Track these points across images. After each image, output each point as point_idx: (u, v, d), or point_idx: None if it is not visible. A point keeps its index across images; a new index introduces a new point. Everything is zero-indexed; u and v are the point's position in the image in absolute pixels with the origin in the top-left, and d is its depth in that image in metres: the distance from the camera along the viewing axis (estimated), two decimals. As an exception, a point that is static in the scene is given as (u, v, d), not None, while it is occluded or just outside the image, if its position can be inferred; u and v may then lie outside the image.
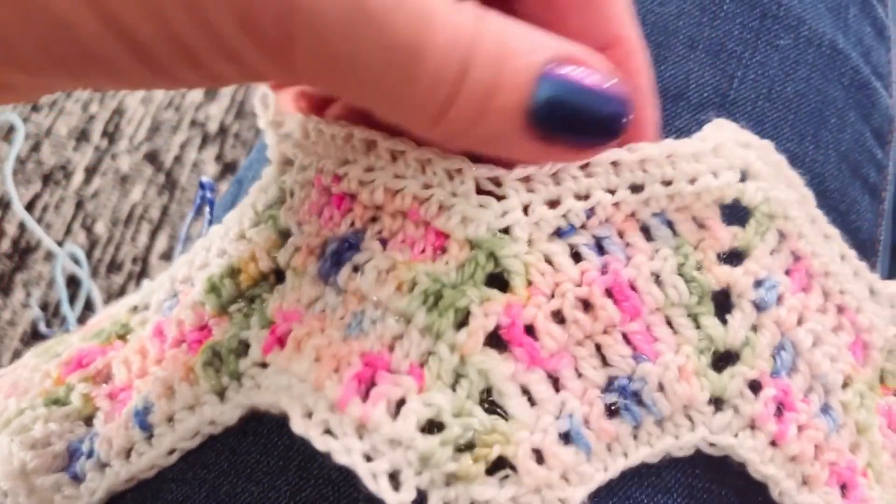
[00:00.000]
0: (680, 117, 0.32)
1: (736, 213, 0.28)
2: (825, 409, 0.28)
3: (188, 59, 0.19)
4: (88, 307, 0.66)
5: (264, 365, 0.25)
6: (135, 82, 0.21)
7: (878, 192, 0.38)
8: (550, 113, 0.21)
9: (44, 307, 0.71)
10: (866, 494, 0.28)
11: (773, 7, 0.36)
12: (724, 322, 0.27)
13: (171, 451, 0.26)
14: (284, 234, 0.28)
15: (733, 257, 0.28)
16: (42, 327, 0.71)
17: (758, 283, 0.27)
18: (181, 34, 0.18)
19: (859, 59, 0.39)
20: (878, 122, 0.39)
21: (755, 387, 0.27)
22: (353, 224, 0.26)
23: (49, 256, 0.97)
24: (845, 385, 0.29)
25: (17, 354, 0.60)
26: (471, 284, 0.24)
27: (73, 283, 0.75)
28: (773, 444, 0.26)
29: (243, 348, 0.26)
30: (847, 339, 0.30)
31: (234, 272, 0.28)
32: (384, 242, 0.26)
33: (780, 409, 0.27)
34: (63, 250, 0.98)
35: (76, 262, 0.99)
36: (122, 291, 0.67)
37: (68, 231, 1.03)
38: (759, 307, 0.27)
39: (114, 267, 1.01)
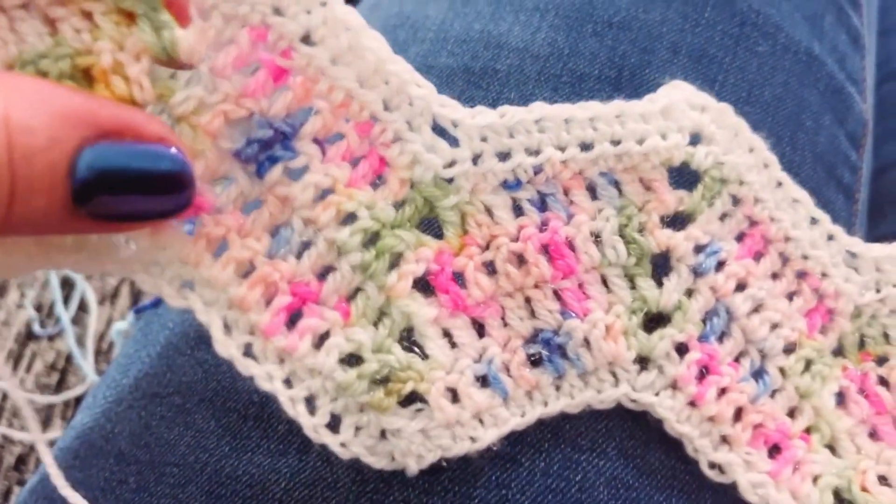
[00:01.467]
0: None
1: (689, 176, 0.28)
2: (758, 374, 0.29)
3: None
4: (82, 308, 0.70)
5: None
6: None
7: (852, 192, 0.39)
8: (97, 191, 0.19)
9: (38, 308, 0.76)
10: (801, 457, 0.28)
11: (751, 15, 0.37)
12: (661, 285, 0.28)
13: None
14: (169, 57, 0.22)
15: (678, 220, 0.28)
16: (36, 328, 0.76)
17: (699, 249, 0.28)
18: None
19: (834, 66, 0.40)
20: (852, 125, 0.40)
21: (682, 350, 0.27)
22: (286, 106, 0.24)
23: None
24: (790, 351, 0.29)
25: (11, 354, 0.65)
26: (406, 227, 0.25)
27: (67, 284, 0.79)
28: (692, 404, 0.27)
29: None
30: (803, 304, 0.30)
31: (86, 73, 0.21)
32: (321, 147, 0.24)
33: (704, 372, 0.28)
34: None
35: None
36: (115, 293, 0.72)
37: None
38: (697, 272, 0.28)
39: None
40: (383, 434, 0.25)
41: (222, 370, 0.30)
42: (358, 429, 0.25)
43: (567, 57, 0.34)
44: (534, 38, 0.34)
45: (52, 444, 0.61)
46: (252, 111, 0.23)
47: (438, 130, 0.26)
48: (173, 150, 0.20)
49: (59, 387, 0.63)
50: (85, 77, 0.21)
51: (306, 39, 0.23)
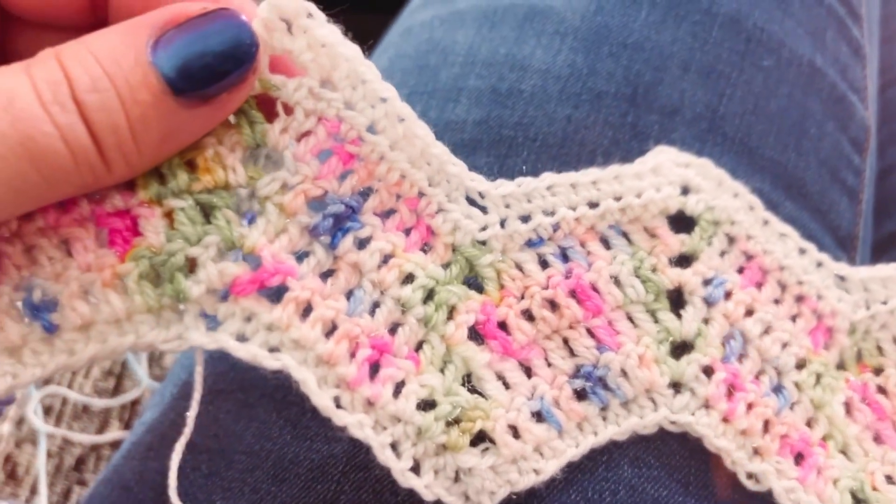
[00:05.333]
0: (676, 130, 0.37)
1: (688, 223, 0.32)
2: (777, 389, 0.32)
3: None
4: None
5: (219, 294, 0.25)
6: None
7: (856, 193, 0.42)
8: (187, 76, 0.22)
9: None
10: (822, 462, 0.31)
11: (756, 33, 0.41)
12: (680, 316, 0.31)
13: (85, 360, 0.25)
14: (257, 149, 0.26)
15: (685, 260, 0.32)
16: None
17: (706, 282, 0.32)
18: None
19: (836, 76, 0.43)
20: (854, 131, 0.43)
21: (708, 371, 0.31)
22: (352, 186, 0.27)
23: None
24: (801, 366, 0.33)
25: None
26: (455, 284, 0.29)
27: None
28: (725, 420, 0.30)
29: (187, 266, 0.25)
30: (805, 325, 0.33)
31: (191, 164, 0.25)
32: (381, 219, 0.28)
33: (731, 390, 0.31)
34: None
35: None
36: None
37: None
38: (709, 302, 0.31)
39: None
40: (457, 476, 0.28)
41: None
42: (436, 472, 0.27)
43: (586, 77, 0.37)
44: (555, 60, 0.38)
45: (114, 444, 0.60)
46: (326, 190, 0.27)
47: (471, 203, 0.30)
48: (223, 9, 0.23)
49: (116, 391, 0.65)
50: (189, 166, 0.25)
51: (370, 129, 0.27)
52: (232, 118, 0.26)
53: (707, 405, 0.30)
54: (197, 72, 0.22)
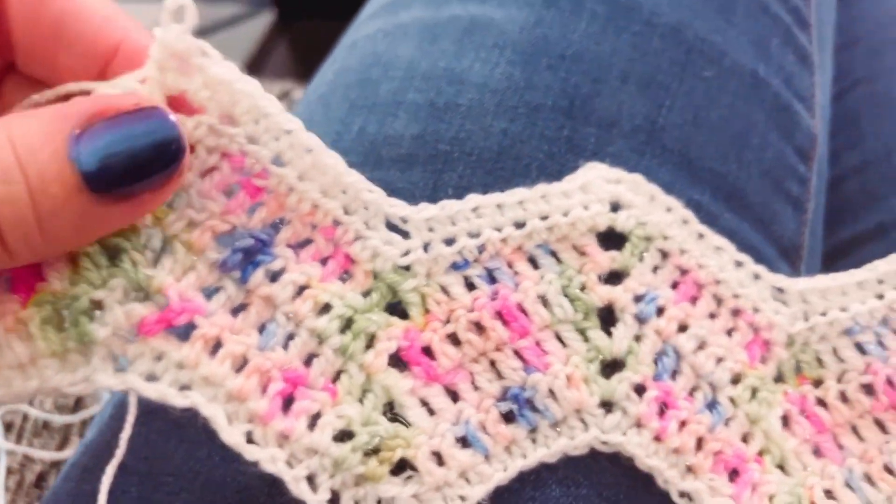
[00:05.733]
0: (613, 143, 0.36)
1: (621, 240, 0.32)
2: (712, 405, 0.31)
3: None
4: None
5: (128, 335, 0.25)
6: None
7: (802, 203, 0.42)
8: (107, 174, 0.22)
9: None
10: (757, 478, 0.31)
11: (697, 43, 0.40)
12: (611, 334, 0.31)
13: None
14: None
15: (617, 277, 0.32)
16: None
17: (638, 298, 0.31)
18: None
19: (781, 85, 0.42)
20: (800, 140, 0.43)
21: (640, 390, 0.30)
22: (262, 219, 0.27)
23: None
24: (736, 381, 0.32)
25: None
26: (375, 312, 0.29)
27: None
28: (657, 439, 0.30)
29: (93, 309, 0.25)
30: (741, 338, 0.33)
31: None
32: (294, 251, 0.28)
33: (664, 408, 0.30)
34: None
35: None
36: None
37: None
38: (641, 319, 0.31)
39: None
40: None
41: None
42: (356, 503, 0.27)
43: (523, 90, 0.37)
44: (492, 74, 0.37)
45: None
46: (234, 225, 0.27)
47: (392, 228, 0.30)
48: (154, 109, 0.23)
49: (77, 407, 0.64)
50: None
51: (276, 161, 0.27)
52: None
53: (639, 424, 0.30)
54: (118, 171, 0.22)
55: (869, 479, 0.33)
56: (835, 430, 0.33)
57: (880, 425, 0.34)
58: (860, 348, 0.34)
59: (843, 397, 0.34)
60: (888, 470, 0.33)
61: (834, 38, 0.56)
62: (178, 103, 0.26)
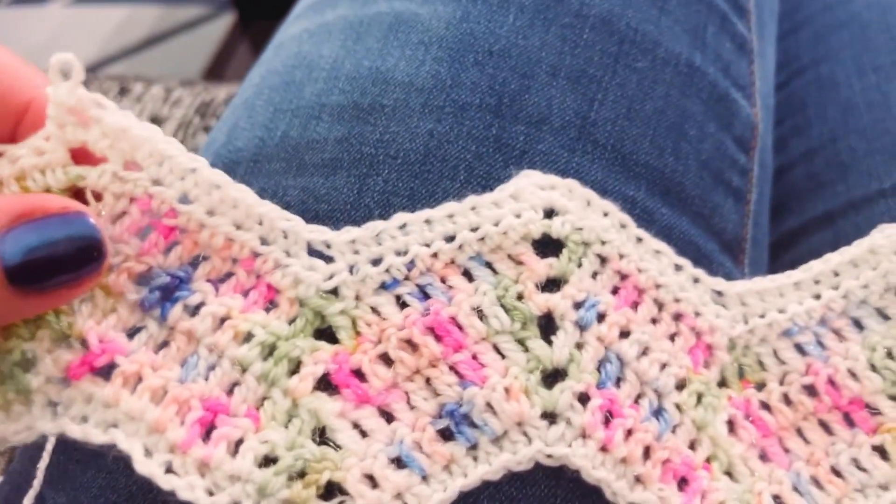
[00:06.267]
0: (543, 141, 0.35)
1: (558, 246, 0.31)
2: (658, 412, 0.30)
3: None
4: None
5: (61, 381, 0.26)
6: None
7: (743, 194, 0.41)
8: (27, 271, 0.23)
9: None
10: (706, 486, 0.30)
11: (630, 33, 0.39)
12: (551, 343, 0.30)
13: None
14: None
15: (555, 284, 0.31)
16: None
17: (578, 305, 0.30)
18: None
19: (718, 74, 0.41)
20: (739, 130, 0.42)
21: (584, 399, 0.29)
22: (179, 258, 0.28)
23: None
24: (681, 387, 0.31)
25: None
26: (301, 337, 0.28)
27: None
28: (604, 449, 0.29)
29: (29, 362, 0.25)
30: (684, 343, 0.32)
31: None
32: (214, 285, 0.28)
33: (609, 417, 0.29)
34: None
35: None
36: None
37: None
38: (581, 326, 0.30)
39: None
40: None
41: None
42: None
43: (450, 88, 0.36)
44: (418, 72, 0.36)
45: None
46: (151, 266, 0.27)
47: (317, 254, 0.29)
48: (78, 214, 0.24)
49: None
50: None
51: (184, 200, 0.27)
52: None
53: (584, 435, 0.29)
54: (38, 268, 0.23)
55: (817, 483, 0.32)
56: (780, 433, 0.33)
57: (825, 426, 0.33)
58: (800, 349, 0.34)
59: (787, 399, 0.33)
60: (835, 472, 0.32)
61: (778, 24, 0.55)
62: (81, 155, 0.26)
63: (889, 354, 0.33)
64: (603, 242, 0.31)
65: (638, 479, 0.29)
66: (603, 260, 0.31)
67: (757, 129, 0.43)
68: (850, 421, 0.33)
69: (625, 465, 0.29)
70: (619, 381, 0.30)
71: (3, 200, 0.23)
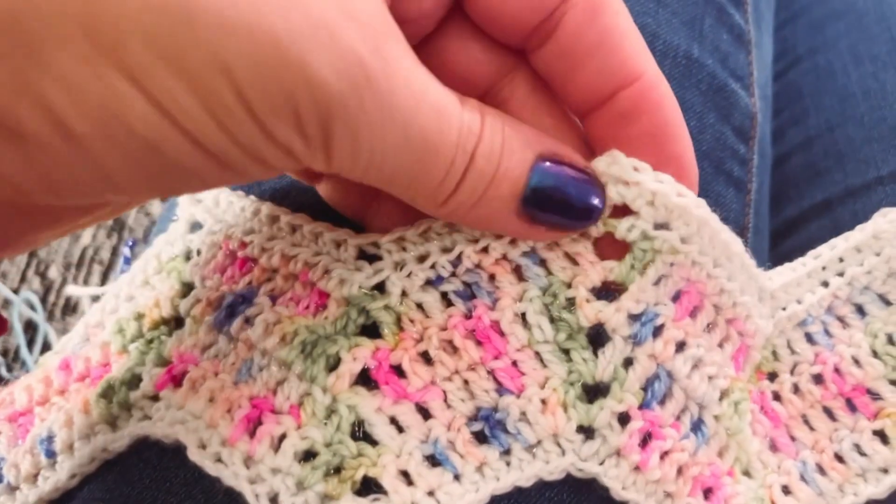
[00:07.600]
0: None
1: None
2: (696, 426, 0.30)
3: (256, 159, 0.22)
4: (47, 349, 0.70)
5: (155, 398, 0.29)
6: (213, 184, 0.23)
7: (744, 183, 0.41)
8: (539, 200, 0.25)
9: (4, 353, 0.75)
10: (729, 492, 0.30)
11: None
12: (598, 356, 0.28)
13: (72, 476, 0.30)
14: (188, 286, 0.32)
15: (613, 289, 0.28)
16: (3, 371, 0.75)
17: (634, 318, 0.28)
18: (252, 142, 0.21)
19: (716, 65, 0.41)
20: (738, 120, 0.41)
21: (624, 418, 0.28)
22: (249, 283, 0.31)
23: (6, 304, 1.03)
24: (722, 397, 0.30)
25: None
26: (342, 335, 0.28)
27: (30, 327, 0.78)
28: (637, 469, 0.28)
29: (136, 382, 0.30)
30: (731, 348, 0.31)
31: (138, 315, 0.33)
32: (274, 299, 0.30)
33: (647, 438, 0.28)
34: (19, 297, 1.04)
35: (32, 307, 1.06)
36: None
37: (23, 279, 1.09)
38: (635, 341, 0.28)
39: (68, 309, 1.08)
40: None
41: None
42: None
43: None
44: None
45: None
46: (224, 293, 0.31)
47: (372, 258, 0.30)
48: (594, 179, 0.26)
49: None
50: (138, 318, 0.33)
51: (249, 234, 0.32)
52: None
53: (619, 454, 0.28)
54: (547, 204, 0.25)
55: (821, 470, 0.32)
56: (788, 422, 0.33)
57: (829, 413, 0.33)
58: (809, 338, 0.34)
59: (796, 389, 0.33)
60: (838, 458, 0.33)
61: (775, 14, 0.55)
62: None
63: (890, 340, 0.33)
64: (674, 252, 0.28)
65: (667, 495, 0.29)
66: (671, 266, 0.29)
67: (756, 119, 0.43)
68: (852, 406, 0.33)
69: (656, 485, 0.28)
70: (664, 399, 0.29)
71: (547, 137, 0.26)
